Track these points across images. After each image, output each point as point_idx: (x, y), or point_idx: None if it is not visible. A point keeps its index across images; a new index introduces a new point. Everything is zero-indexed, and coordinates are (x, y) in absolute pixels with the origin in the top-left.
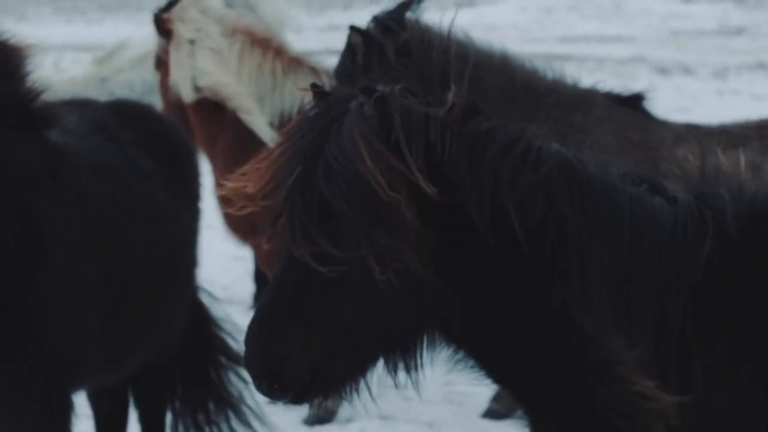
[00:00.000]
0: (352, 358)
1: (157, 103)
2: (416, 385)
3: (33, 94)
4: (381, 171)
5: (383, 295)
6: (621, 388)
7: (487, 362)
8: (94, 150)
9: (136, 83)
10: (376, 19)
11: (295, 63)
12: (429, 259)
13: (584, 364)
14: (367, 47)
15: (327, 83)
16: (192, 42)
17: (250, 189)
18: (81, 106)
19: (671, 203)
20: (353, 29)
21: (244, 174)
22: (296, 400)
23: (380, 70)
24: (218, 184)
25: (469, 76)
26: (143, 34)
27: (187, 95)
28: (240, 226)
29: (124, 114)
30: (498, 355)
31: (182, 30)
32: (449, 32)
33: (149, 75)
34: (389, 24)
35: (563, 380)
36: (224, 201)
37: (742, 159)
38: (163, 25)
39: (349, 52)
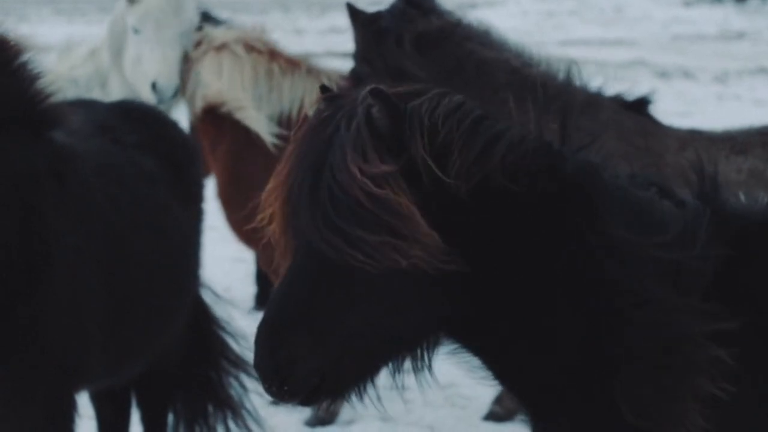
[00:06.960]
0: (360, 361)
1: (97, 97)
2: (419, 387)
3: (41, 96)
4: (375, 183)
5: (390, 300)
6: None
7: (496, 361)
8: (98, 152)
9: (80, 78)
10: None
11: (292, 64)
12: (437, 258)
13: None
14: (369, 26)
15: (329, 84)
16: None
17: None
18: (86, 107)
19: (679, 207)
20: (348, 6)
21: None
22: (304, 403)
23: (396, 56)
24: (218, 188)
25: (482, 74)
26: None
27: (195, 105)
28: (243, 227)
29: (128, 116)
30: (509, 354)
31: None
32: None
33: (93, 71)
34: (408, 9)
35: (579, 380)
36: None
37: (745, 166)
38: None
39: (367, 37)
